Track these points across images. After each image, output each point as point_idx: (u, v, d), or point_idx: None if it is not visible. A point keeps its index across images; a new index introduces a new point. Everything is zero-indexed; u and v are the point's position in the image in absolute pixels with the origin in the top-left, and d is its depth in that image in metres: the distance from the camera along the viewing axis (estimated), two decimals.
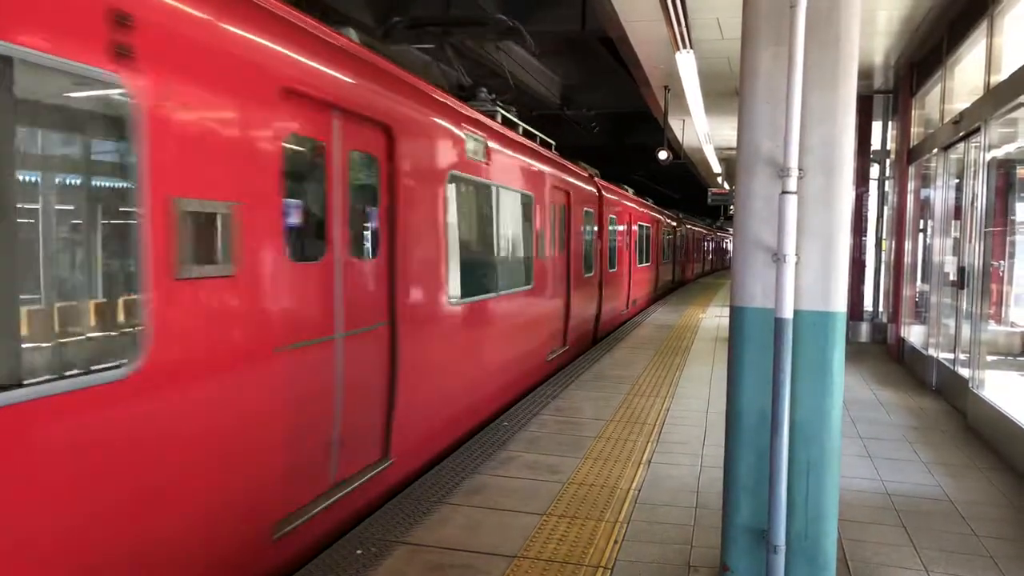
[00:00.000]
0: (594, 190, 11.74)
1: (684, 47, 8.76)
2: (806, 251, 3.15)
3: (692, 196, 37.09)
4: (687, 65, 9.64)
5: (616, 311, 13.96)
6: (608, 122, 23.77)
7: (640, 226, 17.03)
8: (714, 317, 15.64)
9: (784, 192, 3.11)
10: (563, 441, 5.92)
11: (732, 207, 5.30)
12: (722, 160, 21.14)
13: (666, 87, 12.33)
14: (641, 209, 17.43)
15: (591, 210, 11.42)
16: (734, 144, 4.18)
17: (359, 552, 3.84)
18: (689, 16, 7.85)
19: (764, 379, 3.21)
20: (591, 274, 11.36)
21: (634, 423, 6.52)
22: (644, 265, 17.85)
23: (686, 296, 22.42)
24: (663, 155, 15.24)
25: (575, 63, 17.76)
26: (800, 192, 3.13)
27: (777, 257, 3.15)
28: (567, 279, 9.83)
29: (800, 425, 3.18)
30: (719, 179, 25.83)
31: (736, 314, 3.33)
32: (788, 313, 3.13)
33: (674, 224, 25.29)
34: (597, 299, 12.00)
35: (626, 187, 16.38)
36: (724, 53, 9.95)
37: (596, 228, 11.90)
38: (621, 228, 14.39)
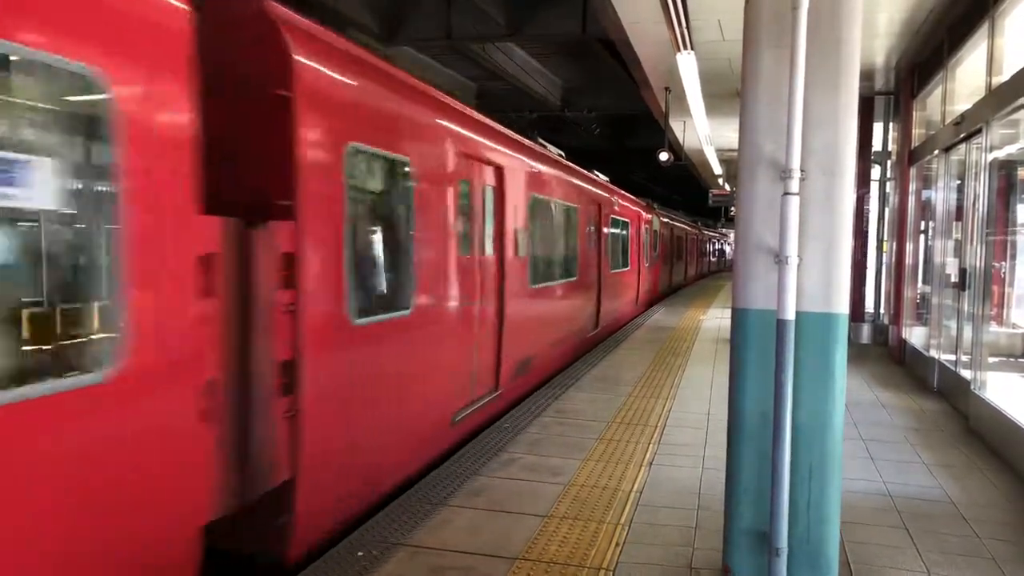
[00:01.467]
0: (418, 109, 5.09)
1: (685, 48, 8.75)
2: (808, 253, 3.15)
3: (693, 197, 37.17)
4: (688, 66, 9.64)
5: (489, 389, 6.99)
6: (609, 124, 23.80)
7: (570, 209, 10.02)
8: (715, 319, 15.64)
9: (786, 194, 3.11)
10: (564, 443, 5.92)
11: (733, 209, 5.29)
12: (723, 162, 21.12)
13: (667, 88, 12.34)
14: (569, 178, 10.05)
15: (399, 158, 4.77)
16: (735, 146, 4.17)
17: (360, 554, 3.84)
18: (690, 17, 7.84)
19: (766, 381, 3.21)
20: (381, 317, 4.64)
21: (635, 425, 6.51)
22: (576, 281, 10.48)
23: (682, 301, 22.41)
24: (664, 157, 15.23)
25: (576, 65, 17.78)
26: (802, 194, 3.13)
27: (779, 259, 3.15)
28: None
29: (802, 427, 3.18)
30: (720, 181, 25.80)
31: (738, 316, 3.33)
32: (790, 315, 3.13)
33: (641, 211, 16.86)
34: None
35: (562, 153, 10.40)
36: (725, 54, 9.96)
37: (410, 206, 4.99)
38: (519, 211, 7.54)
